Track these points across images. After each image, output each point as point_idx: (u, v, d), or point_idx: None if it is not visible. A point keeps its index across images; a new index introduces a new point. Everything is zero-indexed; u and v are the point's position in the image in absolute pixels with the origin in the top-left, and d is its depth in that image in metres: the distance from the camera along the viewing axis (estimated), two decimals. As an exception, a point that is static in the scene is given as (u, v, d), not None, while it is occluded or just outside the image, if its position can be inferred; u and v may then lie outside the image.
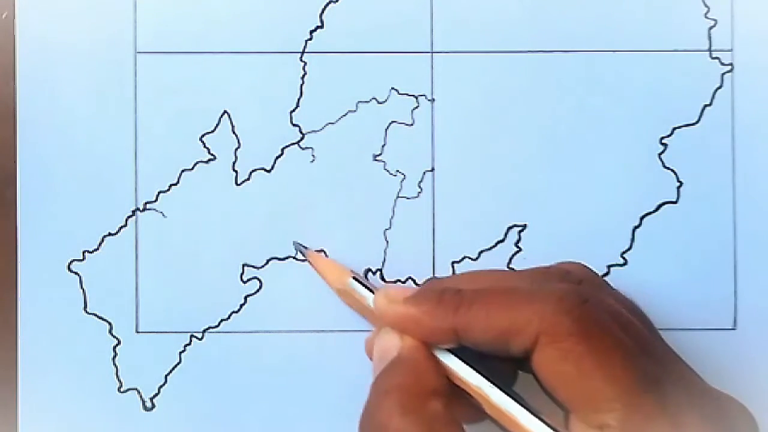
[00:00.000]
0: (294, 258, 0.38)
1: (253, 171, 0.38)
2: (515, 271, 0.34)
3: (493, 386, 0.31)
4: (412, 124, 0.38)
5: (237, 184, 0.38)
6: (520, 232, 0.38)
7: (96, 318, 0.38)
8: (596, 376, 0.29)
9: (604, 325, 0.30)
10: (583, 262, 0.35)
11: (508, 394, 0.31)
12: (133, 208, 0.38)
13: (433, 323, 0.32)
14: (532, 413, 0.30)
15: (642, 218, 0.38)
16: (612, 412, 0.29)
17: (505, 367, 0.32)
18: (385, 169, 0.38)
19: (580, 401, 0.29)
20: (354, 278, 0.36)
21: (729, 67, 0.38)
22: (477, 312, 0.31)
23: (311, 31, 0.38)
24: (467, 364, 0.32)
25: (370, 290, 0.35)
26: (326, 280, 0.37)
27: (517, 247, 0.38)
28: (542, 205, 0.38)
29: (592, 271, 0.34)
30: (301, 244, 0.38)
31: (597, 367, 0.29)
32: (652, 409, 0.29)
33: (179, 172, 0.38)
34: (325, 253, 0.38)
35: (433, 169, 0.38)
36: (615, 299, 0.32)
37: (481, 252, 0.38)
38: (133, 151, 0.38)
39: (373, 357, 0.34)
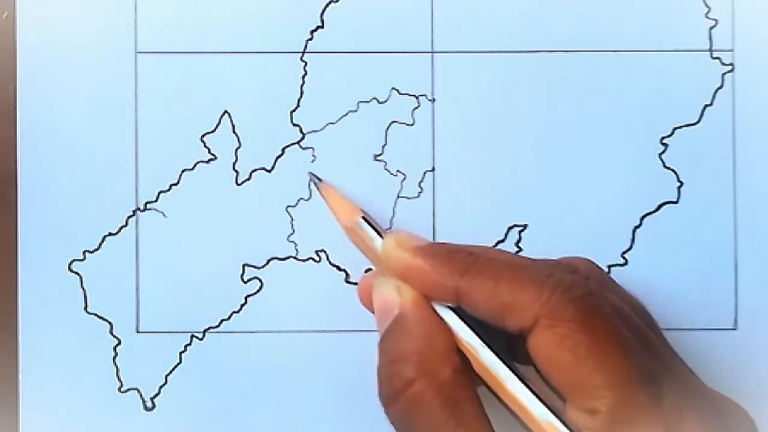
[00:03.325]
0: (295, 258, 0.38)
1: (253, 171, 0.38)
2: (526, 257, 0.34)
3: (485, 346, 0.31)
4: (412, 124, 0.38)
5: (237, 184, 0.38)
6: (520, 231, 0.38)
7: (96, 318, 0.38)
8: (590, 363, 0.29)
9: (606, 317, 0.30)
10: (590, 259, 0.35)
11: (500, 358, 0.31)
12: (134, 207, 0.38)
13: (438, 279, 0.31)
14: (520, 379, 0.30)
15: (642, 218, 0.38)
16: (603, 399, 0.28)
17: (498, 343, 0.32)
18: (386, 169, 0.38)
19: (572, 387, 0.29)
20: (364, 218, 0.35)
21: (730, 67, 0.38)
22: (485, 279, 0.31)
23: (312, 31, 0.38)
24: (464, 321, 0.31)
25: (379, 234, 0.34)
26: (336, 216, 0.36)
27: (518, 247, 0.38)
28: (543, 205, 0.38)
29: (599, 268, 0.34)
30: (315, 175, 0.37)
31: (593, 355, 0.29)
32: (646, 404, 0.29)
33: (180, 171, 0.38)
34: (326, 254, 0.38)
35: (433, 169, 0.38)
36: (620, 297, 0.32)
37: (482, 252, 0.38)
38: (133, 150, 0.38)
39: (373, 306, 0.33)
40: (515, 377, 0.30)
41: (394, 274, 0.32)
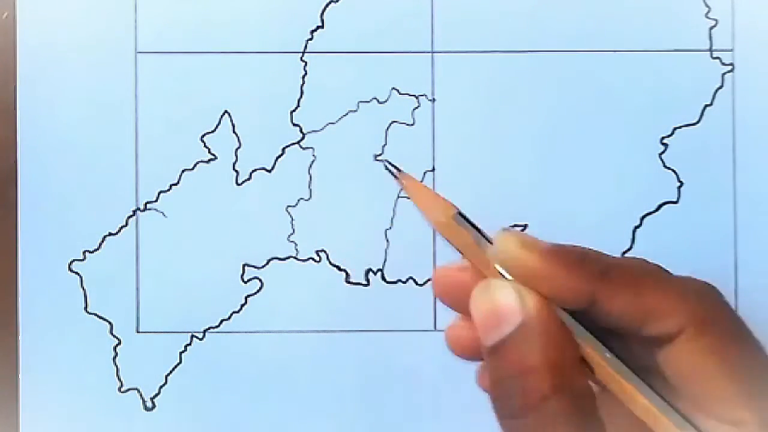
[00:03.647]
0: (295, 258, 0.38)
1: (253, 171, 0.38)
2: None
3: (614, 355, 0.29)
4: (412, 124, 0.38)
5: (238, 184, 0.38)
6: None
7: (96, 318, 0.38)
8: (738, 373, 0.28)
9: (747, 328, 0.29)
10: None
11: (629, 367, 0.29)
12: (134, 207, 0.38)
13: (573, 283, 0.28)
14: (653, 390, 0.28)
15: (642, 218, 0.38)
16: (751, 411, 0.27)
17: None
18: (386, 169, 0.38)
19: (716, 398, 0.28)
20: (460, 213, 0.31)
21: (730, 67, 0.38)
22: (626, 283, 0.29)
23: (312, 31, 0.38)
24: (587, 329, 0.29)
25: (477, 229, 0.30)
26: (425, 212, 0.32)
27: (518, 247, 0.38)
28: (542, 204, 0.38)
29: None
30: (392, 164, 0.33)
31: (740, 365, 0.28)
32: None
33: (180, 171, 0.38)
34: (326, 254, 0.38)
35: (433, 169, 0.38)
36: None
37: (482, 252, 0.38)
38: (133, 150, 0.38)
39: (474, 311, 0.29)
40: (649, 387, 0.28)
41: (516, 277, 0.29)
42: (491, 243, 0.30)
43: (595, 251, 0.30)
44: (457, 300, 0.30)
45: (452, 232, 0.31)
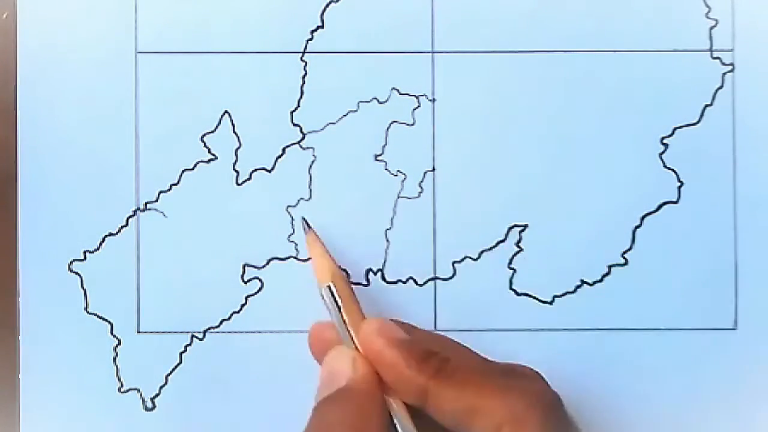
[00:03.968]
0: (295, 258, 0.38)
1: (253, 171, 0.38)
2: (487, 359, 0.35)
3: None
4: (413, 124, 0.38)
5: (238, 184, 0.38)
6: (521, 232, 0.38)
7: (97, 318, 0.38)
8: None
9: (567, 429, 0.32)
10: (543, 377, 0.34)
11: None
12: (134, 207, 0.38)
13: (409, 374, 0.32)
14: None
15: (642, 218, 0.38)
16: None
17: None
18: (386, 169, 0.38)
19: None
20: (330, 286, 0.35)
21: (730, 67, 0.38)
22: (454, 382, 0.31)
23: (312, 31, 0.38)
24: (411, 416, 0.32)
25: (352, 299, 0.35)
26: (315, 273, 0.36)
27: (518, 247, 0.38)
28: (543, 205, 0.38)
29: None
30: (306, 221, 0.37)
31: None
32: None
33: (180, 171, 0.38)
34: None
35: (434, 169, 0.38)
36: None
37: (482, 252, 0.38)
38: (133, 150, 0.38)
39: (321, 371, 0.34)
40: None
41: (368, 357, 0.33)
42: (362, 316, 0.34)
43: (443, 355, 0.32)
44: (324, 352, 0.34)
45: (327, 299, 0.35)
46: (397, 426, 0.32)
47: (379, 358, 0.33)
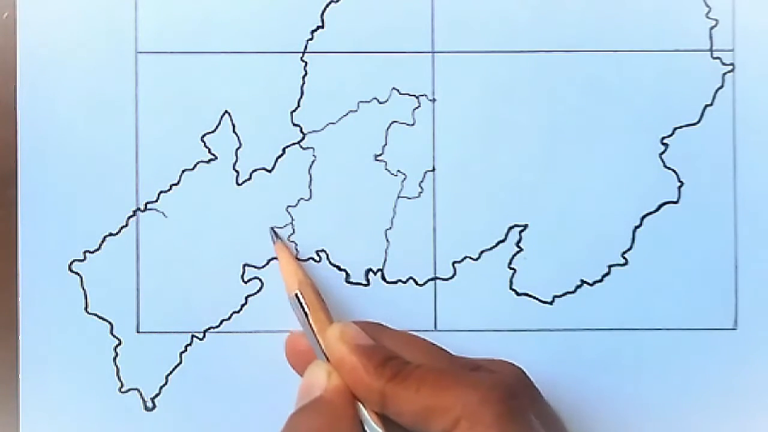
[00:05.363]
0: (295, 258, 0.38)
1: (254, 171, 0.38)
2: (454, 356, 0.35)
3: None
4: (413, 124, 0.38)
5: (238, 184, 0.38)
6: (521, 232, 0.38)
7: (97, 318, 0.38)
8: None
9: (526, 426, 0.31)
10: (522, 369, 0.34)
11: None
12: (134, 207, 0.38)
13: (366, 379, 0.32)
14: None
15: (643, 218, 0.38)
16: None
17: None
18: (386, 169, 0.38)
19: None
20: (297, 294, 0.36)
21: (730, 67, 0.38)
22: (409, 384, 0.32)
23: (312, 31, 0.38)
24: (381, 424, 0.33)
25: (321, 306, 0.36)
26: (285, 282, 0.37)
27: (518, 247, 0.38)
28: (543, 205, 0.38)
29: (529, 379, 0.34)
30: (274, 231, 0.38)
31: None
32: None
33: (180, 171, 0.38)
34: (326, 254, 0.38)
35: (434, 169, 0.38)
36: (542, 410, 0.33)
37: (482, 252, 0.38)
38: (134, 150, 0.38)
39: (300, 383, 0.35)
40: None
41: (332, 364, 0.34)
42: (330, 321, 0.35)
43: (402, 360, 0.33)
44: (300, 362, 0.36)
45: (295, 307, 0.36)
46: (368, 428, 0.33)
47: (341, 364, 0.33)
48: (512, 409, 0.31)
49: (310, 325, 0.35)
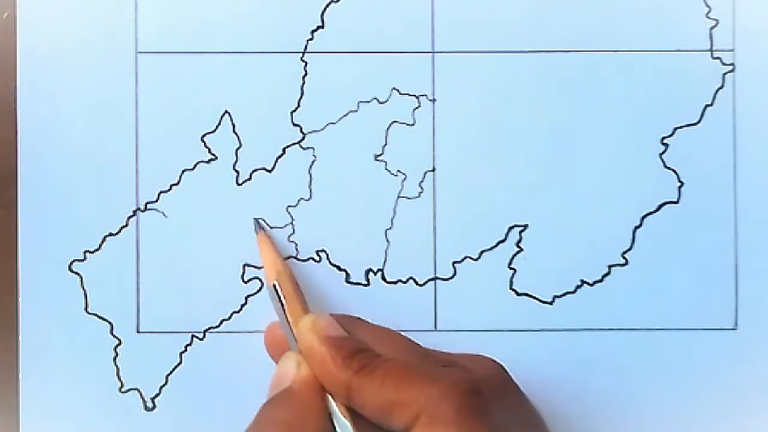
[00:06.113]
0: (295, 258, 0.38)
1: (254, 171, 0.38)
2: (430, 351, 0.35)
3: None
4: (413, 124, 0.38)
5: (238, 184, 0.38)
6: (521, 232, 0.38)
7: (97, 318, 0.38)
8: None
9: (488, 422, 0.30)
10: (500, 363, 0.34)
11: None
12: (134, 207, 0.38)
13: (333, 371, 0.32)
14: None
15: (643, 218, 0.38)
16: None
17: None
18: (386, 169, 0.38)
19: None
20: (275, 285, 0.36)
21: (730, 67, 0.38)
22: (374, 377, 0.31)
23: (312, 31, 0.38)
24: (349, 416, 0.32)
25: (299, 297, 0.35)
26: (265, 272, 0.37)
27: (518, 247, 0.38)
28: (543, 205, 0.38)
29: (507, 373, 0.34)
30: (258, 222, 0.38)
31: None
32: None
33: (180, 171, 0.38)
34: (326, 254, 0.38)
35: (434, 169, 0.38)
36: (517, 405, 0.33)
37: (483, 252, 0.38)
38: (134, 150, 0.38)
39: (272, 376, 0.34)
40: None
41: (301, 352, 0.34)
42: (305, 311, 0.35)
43: (372, 352, 0.33)
44: (278, 352, 0.35)
45: (273, 297, 0.36)
46: (336, 425, 0.33)
47: (309, 354, 0.33)
48: (474, 404, 0.30)
49: (286, 316, 0.35)
